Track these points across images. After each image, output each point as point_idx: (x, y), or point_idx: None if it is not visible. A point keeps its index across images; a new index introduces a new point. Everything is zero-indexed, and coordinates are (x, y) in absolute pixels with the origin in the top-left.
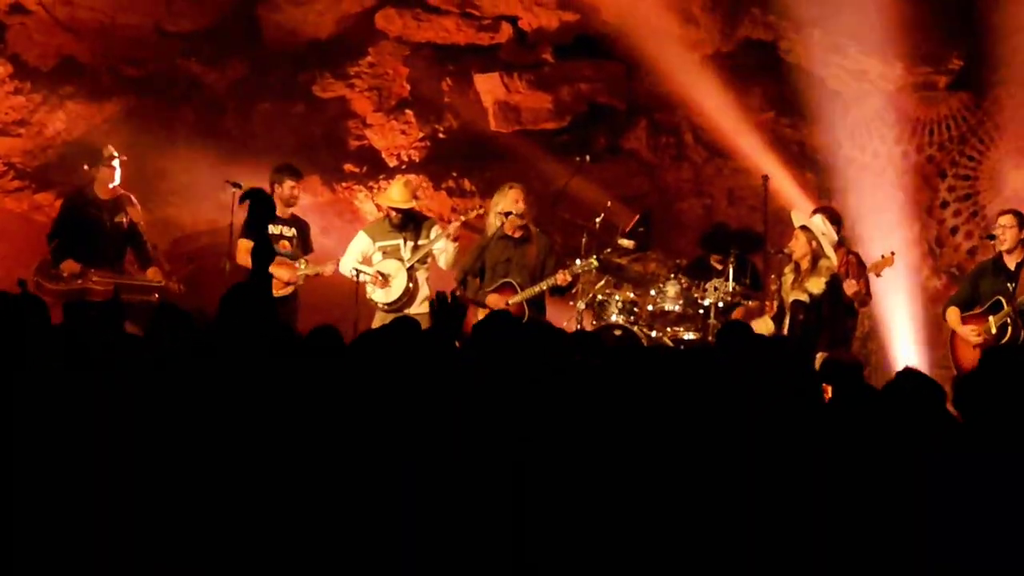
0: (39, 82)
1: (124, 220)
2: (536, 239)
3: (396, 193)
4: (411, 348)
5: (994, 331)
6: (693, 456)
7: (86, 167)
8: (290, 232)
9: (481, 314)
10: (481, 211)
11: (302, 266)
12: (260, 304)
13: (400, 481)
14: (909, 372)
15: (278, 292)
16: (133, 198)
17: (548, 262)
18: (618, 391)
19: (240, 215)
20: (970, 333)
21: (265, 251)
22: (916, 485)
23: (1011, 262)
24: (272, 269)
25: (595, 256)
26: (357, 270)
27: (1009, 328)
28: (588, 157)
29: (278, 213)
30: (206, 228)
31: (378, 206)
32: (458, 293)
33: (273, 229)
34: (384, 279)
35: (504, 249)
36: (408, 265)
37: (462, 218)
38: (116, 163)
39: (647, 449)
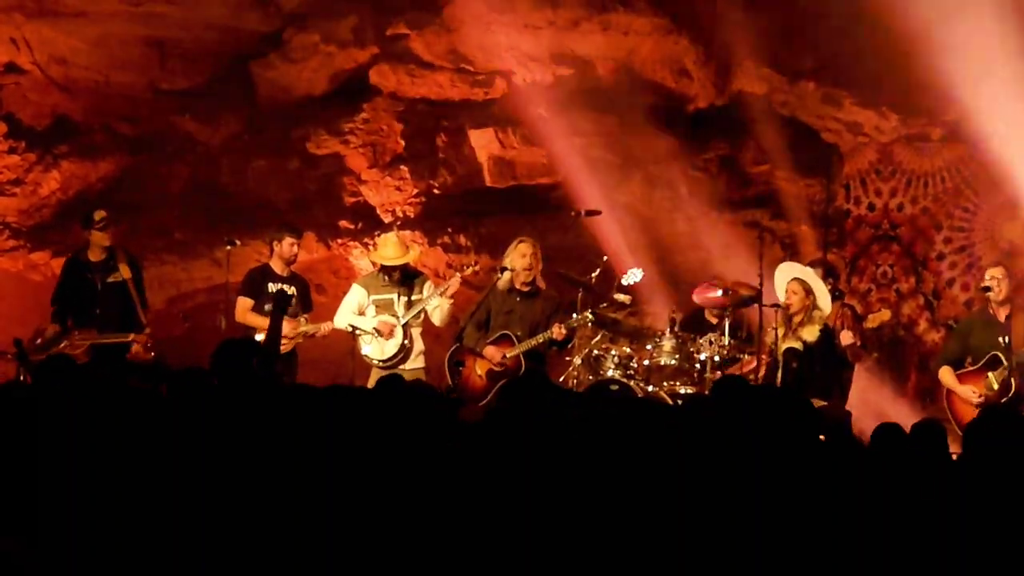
0: (34, 141)
1: (117, 279)
2: (543, 295)
3: (389, 250)
4: (403, 412)
5: (996, 387)
6: (692, 510)
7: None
8: (290, 290)
9: (479, 365)
10: (477, 268)
11: (302, 323)
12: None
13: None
14: (888, 427)
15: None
16: (131, 255)
17: (553, 319)
18: (615, 446)
19: (236, 272)
20: (970, 394)
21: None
22: (904, 538)
23: (1001, 314)
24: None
25: (590, 311)
26: (353, 326)
27: (1013, 383)
28: (583, 211)
29: (278, 271)
30: (203, 286)
31: (373, 263)
32: (455, 346)
33: (273, 288)
34: (390, 331)
35: (509, 302)
36: (403, 322)
37: (458, 275)
38: (105, 226)
39: (644, 506)
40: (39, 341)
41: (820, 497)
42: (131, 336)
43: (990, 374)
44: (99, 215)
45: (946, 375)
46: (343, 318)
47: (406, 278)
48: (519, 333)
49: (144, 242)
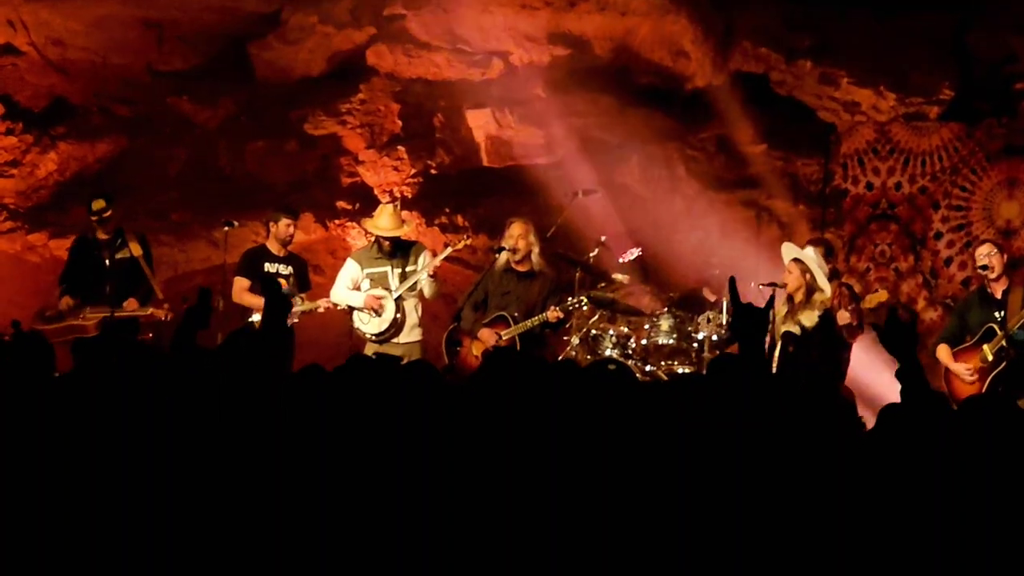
0: (31, 122)
1: (126, 255)
2: (540, 276)
3: (384, 220)
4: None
5: (990, 358)
6: (686, 491)
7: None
8: (287, 270)
9: (475, 347)
10: (468, 242)
11: (298, 304)
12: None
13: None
14: (893, 408)
15: None
16: (139, 233)
17: (550, 300)
18: (610, 425)
19: (234, 253)
20: (964, 372)
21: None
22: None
23: (997, 290)
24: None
25: (586, 296)
26: (350, 306)
27: (1008, 355)
28: (580, 192)
29: (274, 251)
30: (200, 267)
31: (366, 232)
32: (452, 326)
33: (270, 267)
34: (379, 305)
35: (506, 282)
36: (396, 295)
37: (441, 256)
38: (101, 220)
39: (639, 485)
40: (49, 313)
41: (819, 478)
42: (150, 309)
43: (984, 346)
44: (96, 205)
45: (942, 353)
46: (337, 293)
47: (400, 250)
48: (516, 314)
49: (142, 224)
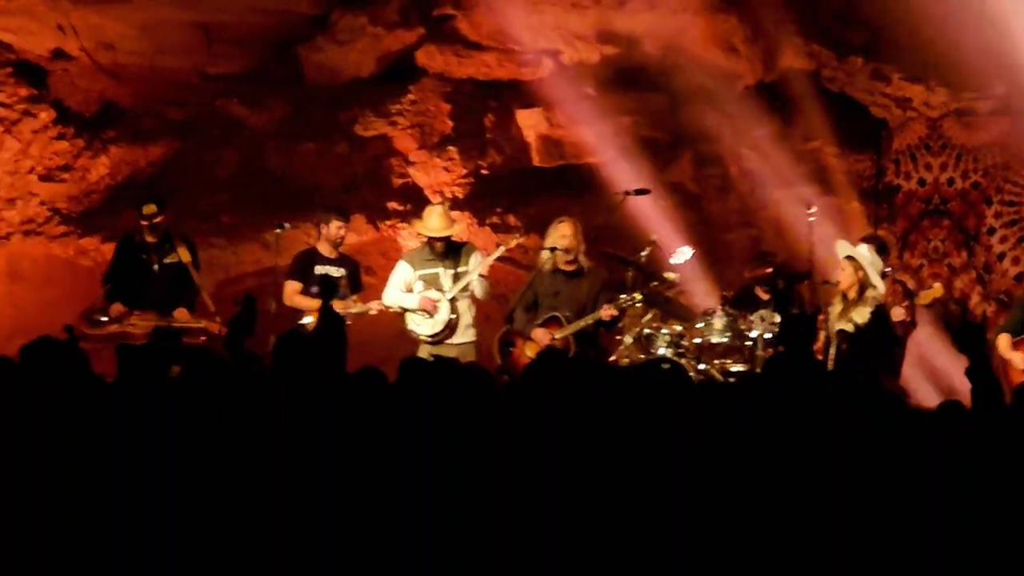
0: (82, 127)
1: (175, 260)
2: (588, 274)
3: (434, 221)
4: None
5: None
6: (744, 490)
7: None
8: (338, 272)
9: (529, 347)
10: (520, 241)
11: (350, 305)
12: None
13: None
14: (951, 405)
15: None
16: (187, 238)
17: (600, 297)
18: (664, 427)
19: (285, 256)
20: (1019, 361)
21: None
22: (958, 519)
23: None
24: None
25: (639, 292)
26: (403, 308)
27: None
28: (632, 191)
29: (325, 253)
30: (252, 269)
31: (418, 235)
32: (505, 328)
33: (321, 269)
34: (433, 307)
35: (555, 283)
36: (449, 296)
37: (494, 256)
38: (152, 226)
39: (696, 485)
40: (96, 316)
41: (875, 473)
42: (203, 322)
43: None
44: (148, 210)
45: (1002, 342)
46: (390, 296)
47: (451, 251)
48: (567, 314)
49: (193, 226)
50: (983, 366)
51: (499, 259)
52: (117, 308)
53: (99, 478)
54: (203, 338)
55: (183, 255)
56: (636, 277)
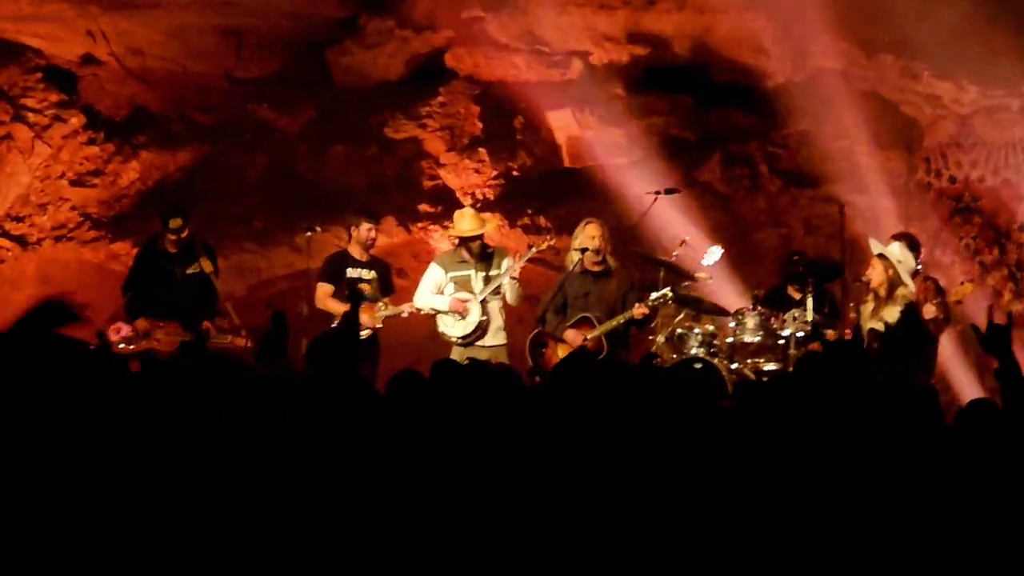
0: (112, 132)
1: (197, 271)
2: (616, 274)
3: (466, 223)
4: (487, 390)
5: None
6: (776, 490)
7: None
8: (370, 275)
9: (560, 349)
10: (552, 242)
11: (381, 308)
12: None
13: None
14: (980, 403)
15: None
16: (209, 247)
17: (629, 296)
18: (692, 426)
19: (316, 259)
20: None
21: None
22: (987, 517)
23: None
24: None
25: (670, 288)
26: (435, 309)
27: None
28: (663, 191)
29: (356, 256)
30: (283, 273)
31: (451, 240)
32: (537, 330)
33: (352, 273)
34: (464, 308)
35: (583, 284)
36: (480, 298)
37: (525, 258)
38: (179, 240)
39: (725, 486)
40: (130, 334)
41: (906, 474)
42: (229, 337)
43: None
44: (174, 224)
45: None
46: (421, 298)
47: (484, 254)
48: (597, 315)
49: (223, 230)
50: (1012, 367)
51: (530, 260)
52: (142, 324)
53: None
54: (232, 342)
55: (205, 265)
56: (667, 277)
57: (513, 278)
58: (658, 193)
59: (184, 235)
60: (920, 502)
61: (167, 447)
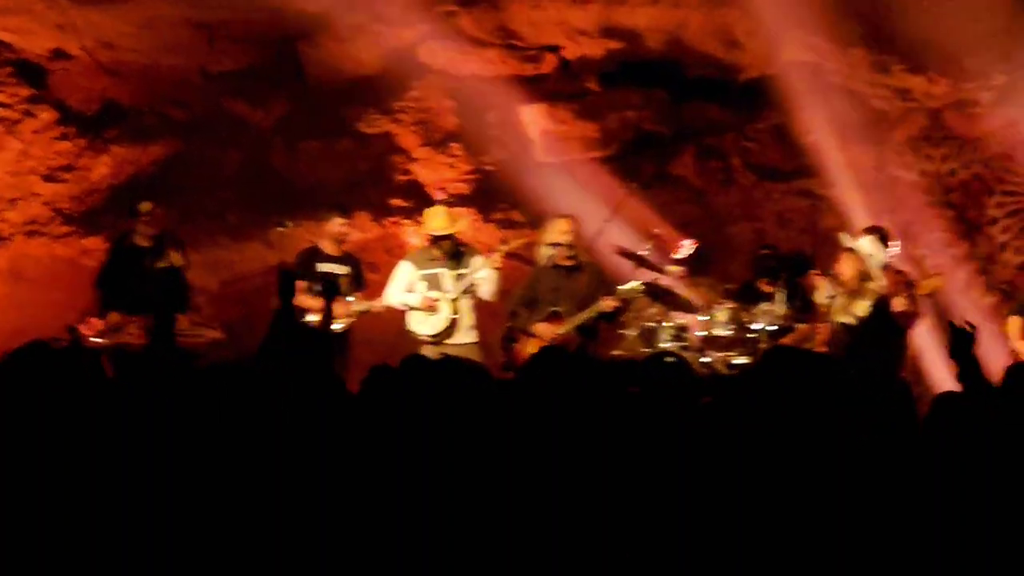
0: (84, 127)
1: (168, 264)
2: (587, 268)
3: (437, 221)
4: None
5: None
6: (742, 486)
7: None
8: (343, 270)
9: (531, 343)
10: (525, 240)
11: (354, 304)
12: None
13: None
14: (948, 396)
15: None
16: (178, 241)
17: (599, 291)
18: (664, 421)
19: (289, 254)
20: (1022, 347)
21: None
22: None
23: None
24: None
25: (640, 281)
26: (407, 304)
27: None
28: (636, 185)
29: (328, 251)
30: (256, 268)
31: (423, 237)
32: (508, 325)
33: (325, 268)
34: (433, 306)
35: (554, 278)
36: (451, 296)
37: (504, 248)
38: (151, 220)
39: (698, 479)
40: (102, 328)
41: (880, 468)
42: (201, 331)
43: None
44: (144, 207)
45: (1012, 326)
46: (392, 295)
47: (455, 252)
48: (567, 309)
49: (197, 225)
50: (972, 372)
51: (506, 255)
52: (114, 317)
53: (98, 482)
54: (203, 341)
55: (175, 259)
56: (640, 271)
57: (496, 268)
58: (632, 187)
59: (156, 220)
60: (894, 495)
61: (136, 442)
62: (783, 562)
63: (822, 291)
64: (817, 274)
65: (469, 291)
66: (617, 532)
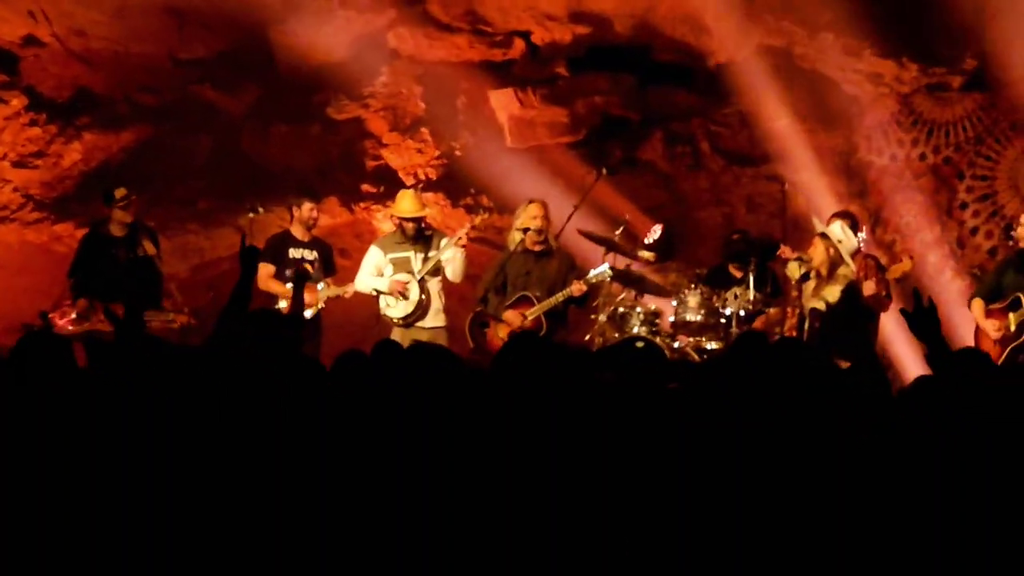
0: (55, 113)
1: (140, 253)
2: (557, 253)
3: (406, 204)
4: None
5: (1013, 328)
6: (714, 473)
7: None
8: (312, 255)
9: (500, 329)
10: (485, 216)
11: (323, 289)
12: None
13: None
14: (925, 380)
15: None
16: (151, 230)
17: (569, 276)
18: (636, 407)
19: (260, 240)
20: (991, 328)
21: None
22: (932, 494)
23: None
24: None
25: (609, 265)
26: (376, 289)
27: None
28: (605, 170)
29: (299, 236)
30: (226, 254)
31: (391, 219)
32: (478, 309)
33: (295, 253)
34: (403, 289)
35: (525, 263)
36: (419, 277)
37: (469, 225)
38: (127, 205)
39: (667, 469)
40: (73, 315)
41: (847, 453)
42: (171, 315)
43: (1010, 314)
44: (120, 193)
45: (976, 307)
46: (361, 281)
47: (422, 236)
48: (537, 294)
49: (167, 211)
50: (941, 351)
51: (474, 240)
52: (83, 303)
53: (75, 471)
54: (175, 326)
55: (148, 248)
56: (610, 256)
57: (462, 246)
58: (600, 172)
59: (132, 206)
60: (867, 481)
61: (112, 428)
62: (756, 547)
63: (793, 267)
64: (787, 250)
65: (437, 272)
66: (588, 518)
